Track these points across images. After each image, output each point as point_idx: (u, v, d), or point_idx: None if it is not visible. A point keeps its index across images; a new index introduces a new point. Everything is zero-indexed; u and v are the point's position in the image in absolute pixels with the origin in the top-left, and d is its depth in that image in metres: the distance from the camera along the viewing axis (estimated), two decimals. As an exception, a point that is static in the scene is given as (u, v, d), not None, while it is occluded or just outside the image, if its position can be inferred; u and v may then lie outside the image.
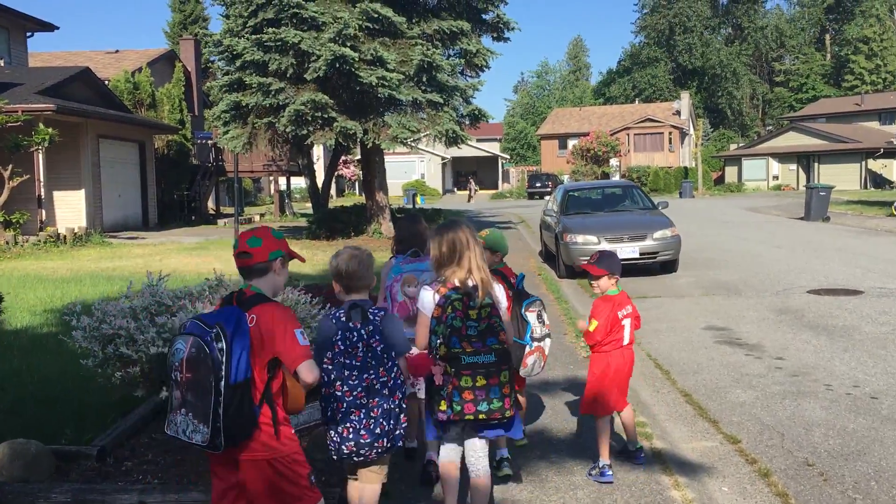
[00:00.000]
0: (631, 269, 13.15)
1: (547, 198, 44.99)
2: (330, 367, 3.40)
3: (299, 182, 41.30)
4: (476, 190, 55.73)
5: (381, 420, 3.36)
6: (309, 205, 25.98)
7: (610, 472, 4.63)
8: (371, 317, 3.44)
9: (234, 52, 15.93)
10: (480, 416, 3.52)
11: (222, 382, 2.76)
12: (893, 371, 6.89)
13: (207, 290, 4.65)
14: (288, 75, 15.60)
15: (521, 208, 36.41)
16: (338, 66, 15.04)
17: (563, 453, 5.12)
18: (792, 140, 54.22)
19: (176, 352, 2.86)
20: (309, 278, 13.02)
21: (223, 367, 2.77)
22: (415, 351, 3.61)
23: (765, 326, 8.97)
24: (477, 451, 3.71)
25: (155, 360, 4.34)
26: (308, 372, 2.97)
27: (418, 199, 49.03)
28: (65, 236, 18.00)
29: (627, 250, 12.76)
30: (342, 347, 3.40)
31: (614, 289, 4.74)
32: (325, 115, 15.60)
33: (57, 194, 20.97)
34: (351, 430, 3.37)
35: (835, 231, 20.88)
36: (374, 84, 15.37)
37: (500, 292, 3.76)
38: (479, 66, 18.09)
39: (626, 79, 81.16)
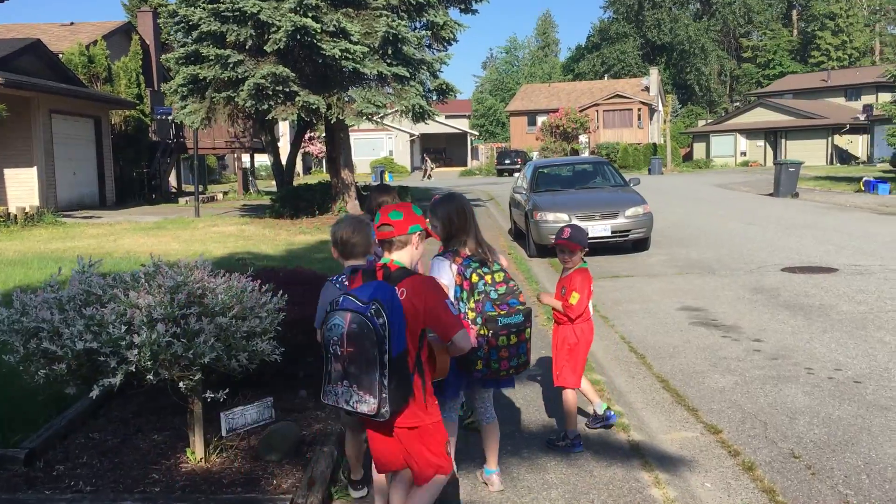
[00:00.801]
0: (602, 248, 12.89)
1: (516, 175, 44.78)
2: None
3: (265, 159, 40.43)
4: (432, 167, 54.15)
5: None
6: (274, 182, 25.33)
7: (581, 444, 4.72)
8: None
9: (191, 23, 15.23)
10: (511, 372, 3.87)
11: (386, 356, 2.92)
12: (875, 353, 6.65)
13: (143, 278, 4.19)
14: (247, 47, 14.96)
15: (491, 185, 36.02)
16: (299, 37, 14.44)
17: (536, 448, 4.77)
18: (759, 116, 54.40)
19: (334, 327, 3.00)
20: (270, 259, 12.56)
21: (386, 341, 2.91)
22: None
23: (741, 306, 8.72)
24: (487, 400, 4.11)
25: (84, 357, 3.89)
26: (464, 340, 3.18)
27: (386, 177, 48.40)
28: (15, 216, 17.23)
29: (599, 228, 12.47)
30: None
31: (582, 262, 4.82)
32: (287, 90, 15.00)
33: (8, 172, 20.12)
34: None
35: (805, 207, 20.80)
36: (337, 57, 14.81)
37: (504, 259, 4.02)
38: (447, 38, 17.56)
39: (596, 55, 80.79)
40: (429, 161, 53.94)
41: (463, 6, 18.00)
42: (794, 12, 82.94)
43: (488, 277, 3.82)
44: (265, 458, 4.37)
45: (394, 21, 15.33)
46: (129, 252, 12.74)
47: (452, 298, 3.70)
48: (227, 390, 4.23)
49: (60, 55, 24.84)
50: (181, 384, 3.95)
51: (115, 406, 5.29)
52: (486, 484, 4.19)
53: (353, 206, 17.99)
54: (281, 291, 4.62)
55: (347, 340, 2.96)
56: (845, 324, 7.70)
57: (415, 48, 16.06)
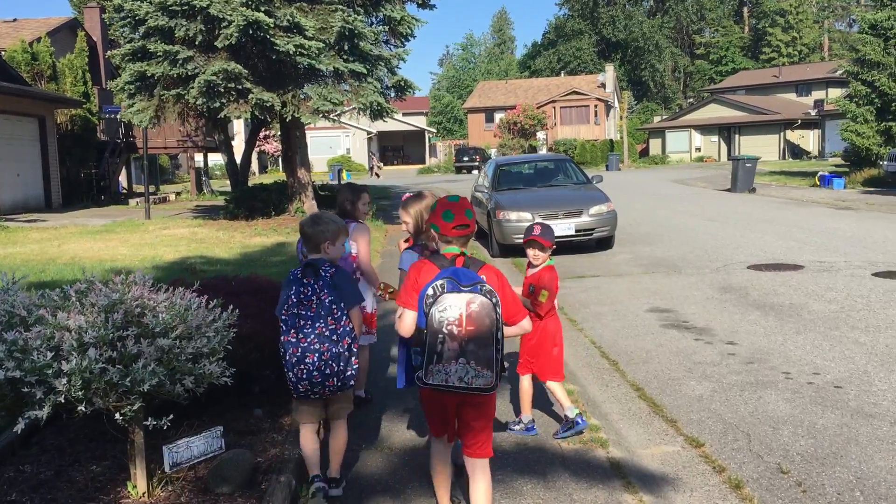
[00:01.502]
0: (566, 247, 12.65)
1: (475, 172, 44.52)
2: (286, 317, 3.83)
3: (220, 159, 39.54)
4: (380, 166, 51.85)
5: (331, 362, 3.79)
6: (229, 182, 24.65)
7: (535, 429, 4.95)
8: (323, 273, 3.85)
9: (137, 18, 14.59)
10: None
11: (499, 332, 3.26)
12: (852, 355, 6.47)
13: (74, 296, 3.75)
14: (197, 43, 14.35)
15: (450, 183, 35.69)
16: (251, 32, 13.90)
17: (511, 470, 4.45)
18: (713, 112, 55.02)
19: (448, 308, 3.21)
20: (224, 263, 12.06)
21: (500, 320, 3.26)
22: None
23: (710, 307, 8.52)
24: None
25: (7, 386, 3.46)
26: (528, 323, 3.57)
27: (344, 175, 47.72)
28: (-46, 220, 16.44)
29: (562, 227, 12.22)
30: (295, 300, 3.82)
31: (549, 260, 4.90)
32: (239, 87, 14.45)
33: (-54, 174, 19.25)
34: (304, 371, 3.78)
35: (763, 202, 20.88)
36: (291, 52, 14.30)
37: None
38: (404, 34, 17.14)
39: (552, 51, 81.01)
40: (375, 159, 52.35)
41: (420, 1, 17.60)
42: (745, 9, 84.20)
43: None
44: (216, 490, 3.97)
45: (350, 16, 14.87)
46: (74, 258, 12.12)
47: None
48: (172, 416, 3.82)
49: (2, 52, 23.86)
50: (118, 414, 3.54)
51: (49, 433, 4.82)
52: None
53: (310, 206, 17.49)
54: (231, 306, 4.22)
55: (468, 320, 3.21)
56: (818, 324, 7.53)
57: (372, 44, 15.62)
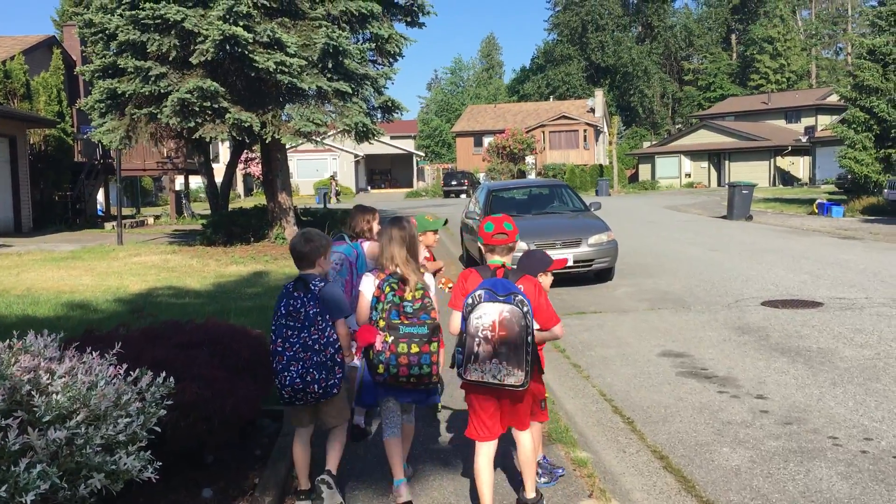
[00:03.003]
0: (563, 279, 11.81)
1: (464, 196, 43.72)
2: (275, 327, 4.06)
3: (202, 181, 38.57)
4: (338, 190, 47.92)
5: (312, 370, 3.98)
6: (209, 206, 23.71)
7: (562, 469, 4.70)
8: (312, 287, 4.05)
9: (108, 32, 13.73)
10: (412, 381, 4.06)
11: (530, 336, 3.65)
12: (904, 414, 5.62)
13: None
14: (171, 59, 13.49)
15: (438, 207, 34.86)
16: (228, 48, 13.07)
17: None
18: (703, 138, 54.65)
19: (484, 315, 3.64)
20: (194, 294, 11.11)
21: (529, 326, 3.66)
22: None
23: (729, 351, 7.66)
24: (392, 412, 4.29)
25: None
26: (560, 329, 3.97)
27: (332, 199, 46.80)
28: (-90, 245, 15.39)
29: (560, 258, 11.38)
30: (283, 312, 4.05)
31: None
32: (216, 106, 13.57)
33: None
34: (288, 378, 3.98)
35: (763, 231, 20.15)
36: (271, 70, 13.46)
37: (429, 279, 4.36)
38: (392, 53, 16.37)
39: (540, 76, 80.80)
40: (335, 183, 48.94)
41: (409, 19, 16.84)
42: (734, 36, 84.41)
43: (408, 294, 4.10)
44: None
45: (334, 32, 14.07)
46: (29, 289, 11.14)
47: (368, 307, 4.18)
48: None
49: (-27, 70, 22.95)
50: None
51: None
52: (395, 497, 4.20)
53: (290, 231, 16.58)
54: (164, 374, 3.31)
55: (500, 326, 3.62)
56: (855, 374, 6.68)
57: (358, 62, 14.82)
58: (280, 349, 4.02)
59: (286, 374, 3.98)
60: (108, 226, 24.73)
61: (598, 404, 6.23)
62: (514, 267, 3.94)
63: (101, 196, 30.51)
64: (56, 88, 24.69)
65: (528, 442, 4.01)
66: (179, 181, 32.88)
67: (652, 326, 8.93)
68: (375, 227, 5.57)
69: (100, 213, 29.77)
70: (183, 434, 3.81)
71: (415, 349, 4.04)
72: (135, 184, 37.91)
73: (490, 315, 3.63)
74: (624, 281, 12.17)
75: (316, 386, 3.99)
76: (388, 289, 4.13)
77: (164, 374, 3.30)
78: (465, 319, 3.71)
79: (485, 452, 3.92)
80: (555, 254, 11.41)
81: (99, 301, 10.14)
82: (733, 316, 9.25)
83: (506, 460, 4.77)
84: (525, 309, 3.61)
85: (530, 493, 4.06)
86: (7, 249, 16.85)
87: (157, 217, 30.04)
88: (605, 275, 12.14)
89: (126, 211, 34.95)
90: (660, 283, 11.82)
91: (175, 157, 27.99)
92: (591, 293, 11.34)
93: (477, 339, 3.65)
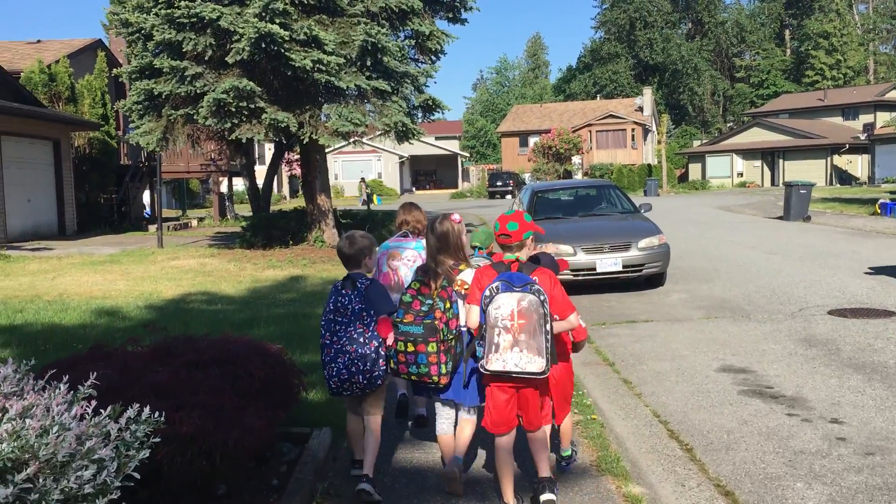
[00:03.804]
0: (612, 285, 11.20)
1: (509, 197, 43.07)
2: (324, 322, 4.33)
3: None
4: (368, 193, 44.78)
5: (357, 362, 4.20)
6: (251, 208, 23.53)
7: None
8: (359, 285, 4.32)
9: (144, 32, 13.51)
10: (412, 377, 4.21)
11: (548, 325, 3.75)
12: None
13: None
14: (206, 58, 13.21)
15: (483, 208, 34.32)
16: (264, 46, 12.70)
17: None
18: (756, 136, 53.10)
19: (502, 306, 3.75)
20: (227, 300, 10.75)
21: (548, 314, 3.75)
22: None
23: (795, 366, 6.98)
24: (439, 408, 4.44)
25: None
26: (576, 318, 4.04)
27: (375, 199, 46.60)
28: (-47, 248, 15.42)
29: (608, 262, 10.79)
30: (332, 307, 4.32)
31: None
32: (252, 106, 13.24)
33: (-51, 199, 18.34)
34: (335, 369, 4.25)
35: (823, 233, 19.17)
36: (308, 68, 13.09)
37: (466, 275, 4.25)
38: (433, 50, 15.87)
39: (587, 75, 79.63)
40: (364, 185, 46.84)
41: (451, 15, 16.33)
42: (787, 32, 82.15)
43: (433, 290, 4.17)
44: None
45: (373, 29, 13.63)
46: (62, 294, 10.92)
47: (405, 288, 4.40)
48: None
49: (20, 74, 23.11)
50: None
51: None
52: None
53: (330, 234, 16.21)
54: (156, 413, 2.85)
55: (519, 314, 3.74)
56: (943, 395, 5.97)
57: (397, 60, 14.37)
58: (328, 342, 4.27)
59: (333, 365, 4.23)
60: (151, 228, 24.74)
61: (651, 427, 5.63)
62: (527, 261, 4.03)
63: (146, 198, 30.66)
64: (100, 91, 24.78)
65: (536, 442, 4.08)
66: (225, 183, 32.90)
67: (709, 337, 8.27)
68: (426, 223, 5.56)
69: (147, 215, 29.92)
70: (180, 470, 3.36)
71: (410, 348, 4.11)
72: (181, 186, 38.13)
73: (508, 305, 3.74)
74: (677, 286, 11.49)
75: (360, 377, 4.20)
76: (415, 284, 4.30)
77: (151, 406, 2.84)
78: (483, 312, 3.83)
79: (504, 443, 4.01)
80: (603, 258, 10.85)
81: (129, 308, 9.84)
82: (798, 326, 8.54)
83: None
84: (542, 297, 3.73)
85: (544, 473, 4.06)
86: (47, 252, 16.81)
87: (200, 219, 30.07)
88: (656, 280, 11.47)
89: (172, 213, 35.20)
90: (715, 290, 11.12)
91: (218, 160, 27.97)
92: (641, 300, 10.69)
93: (497, 329, 3.76)
